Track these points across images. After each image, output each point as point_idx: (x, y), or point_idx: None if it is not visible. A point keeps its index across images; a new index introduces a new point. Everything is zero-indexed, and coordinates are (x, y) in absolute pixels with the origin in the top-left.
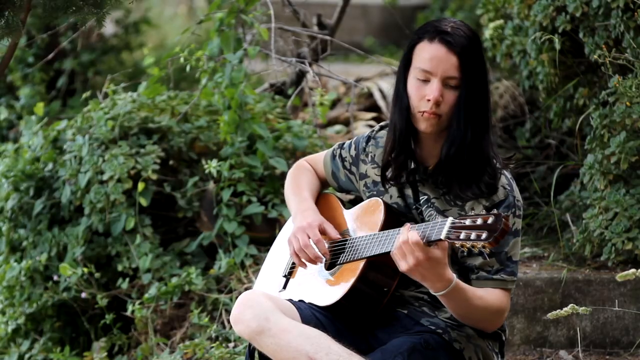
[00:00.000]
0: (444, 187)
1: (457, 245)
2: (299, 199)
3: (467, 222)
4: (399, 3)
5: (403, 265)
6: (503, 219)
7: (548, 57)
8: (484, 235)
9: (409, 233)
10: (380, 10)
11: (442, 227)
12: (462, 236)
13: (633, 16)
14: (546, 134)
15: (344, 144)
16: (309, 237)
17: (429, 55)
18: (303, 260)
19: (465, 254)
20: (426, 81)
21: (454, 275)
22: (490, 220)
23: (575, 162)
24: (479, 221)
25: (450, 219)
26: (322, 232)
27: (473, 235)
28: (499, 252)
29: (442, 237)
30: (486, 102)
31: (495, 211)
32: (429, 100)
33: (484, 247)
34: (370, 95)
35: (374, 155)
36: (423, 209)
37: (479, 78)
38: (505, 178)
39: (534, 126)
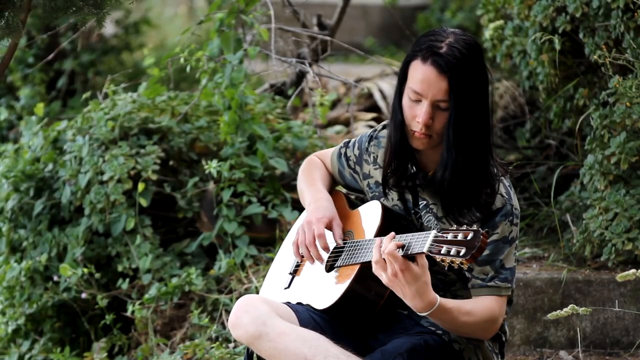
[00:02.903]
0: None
1: (438, 260)
2: (314, 189)
3: (449, 236)
4: (399, 3)
5: (384, 278)
6: (481, 236)
7: (548, 58)
8: (462, 252)
9: (389, 244)
10: (380, 11)
11: (425, 240)
12: (442, 251)
13: (633, 16)
14: (546, 134)
15: (349, 142)
16: (313, 233)
17: (420, 76)
18: (301, 253)
19: (446, 269)
20: (418, 101)
21: (438, 298)
22: (469, 237)
23: (575, 162)
24: (460, 236)
25: (433, 232)
26: (330, 228)
27: (453, 251)
28: (494, 260)
29: (425, 250)
30: (483, 120)
31: (475, 227)
32: (418, 122)
33: (462, 263)
34: (370, 95)
35: (377, 155)
36: (422, 214)
37: (472, 99)
38: (504, 186)
39: (534, 126)
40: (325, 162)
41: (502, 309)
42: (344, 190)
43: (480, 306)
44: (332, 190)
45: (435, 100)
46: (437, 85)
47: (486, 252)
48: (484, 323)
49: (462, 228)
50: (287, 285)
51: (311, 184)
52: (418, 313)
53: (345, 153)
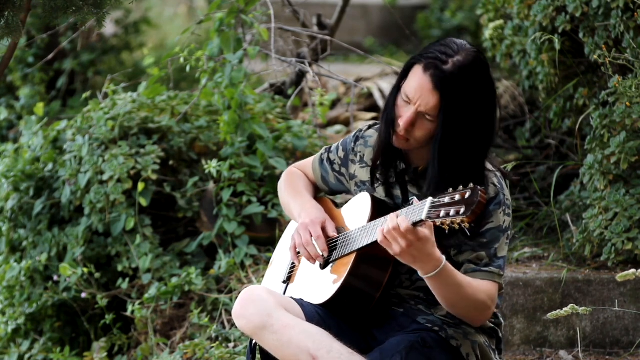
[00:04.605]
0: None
1: (438, 224)
2: (301, 200)
3: (446, 199)
4: (399, 3)
5: (395, 248)
6: (480, 192)
7: (548, 57)
8: (462, 210)
9: (398, 220)
10: (380, 10)
11: (422, 208)
12: (442, 214)
13: (633, 16)
14: (546, 134)
15: (330, 147)
16: (311, 235)
17: (416, 84)
18: (303, 256)
19: (447, 232)
20: (408, 103)
21: (444, 257)
22: (467, 195)
23: (575, 162)
24: (457, 197)
25: (430, 199)
26: (323, 229)
27: (452, 212)
28: (489, 248)
29: (424, 217)
30: (479, 137)
31: (471, 185)
32: (399, 123)
33: (462, 222)
34: (370, 95)
35: (363, 155)
36: None
37: (465, 120)
38: (496, 177)
39: (534, 126)
40: (305, 172)
41: (495, 295)
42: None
43: (478, 283)
44: (316, 198)
45: (421, 112)
46: (427, 98)
47: (483, 239)
48: (481, 302)
49: (459, 189)
50: (282, 294)
51: (296, 195)
52: (426, 276)
53: (329, 157)
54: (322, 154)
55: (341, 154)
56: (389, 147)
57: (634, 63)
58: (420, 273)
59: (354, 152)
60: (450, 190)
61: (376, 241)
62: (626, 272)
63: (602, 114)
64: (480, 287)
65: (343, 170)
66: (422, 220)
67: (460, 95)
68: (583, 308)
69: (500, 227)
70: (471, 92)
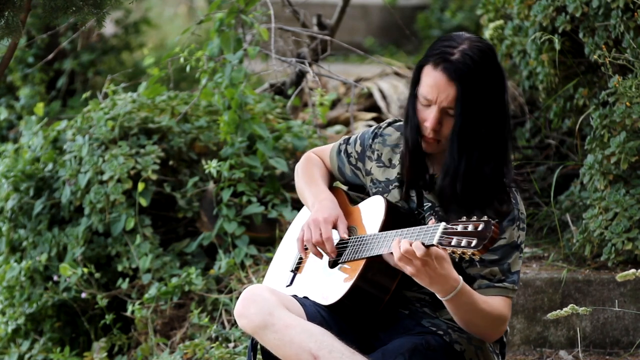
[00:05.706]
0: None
1: (448, 252)
2: (316, 189)
3: (459, 227)
4: (398, 3)
5: (411, 269)
6: (493, 227)
7: (548, 58)
8: (474, 243)
9: (413, 244)
10: (380, 10)
11: (434, 232)
12: (453, 242)
13: (633, 16)
14: (546, 134)
15: (349, 139)
16: (321, 233)
17: (430, 82)
18: (307, 248)
19: (457, 260)
20: (428, 106)
21: (460, 277)
22: (480, 227)
23: (575, 162)
24: (470, 227)
25: (442, 224)
26: (334, 227)
27: (464, 242)
28: (502, 264)
29: (435, 242)
30: (494, 130)
31: (485, 217)
32: (427, 126)
33: (473, 254)
34: (370, 95)
35: (381, 154)
36: (426, 215)
37: (482, 108)
38: (511, 191)
39: (534, 126)
40: (323, 159)
41: (509, 311)
42: (343, 187)
43: (493, 300)
44: (330, 187)
45: (443, 107)
46: (445, 91)
47: (495, 256)
48: (496, 319)
49: (473, 219)
50: (288, 283)
51: (312, 183)
52: (444, 298)
53: (346, 150)
54: (340, 145)
55: (358, 148)
56: (419, 153)
57: (634, 63)
58: (439, 296)
59: (371, 149)
60: (464, 218)
61: (388, 253)
62: (626, 272)
63: (602, 114)
64: (495, 303)
65: (359, 164)
66: (432, 245)
67: (473, 81)
68: (583, 308)
69: (514, 243)
70: (483, 76)
